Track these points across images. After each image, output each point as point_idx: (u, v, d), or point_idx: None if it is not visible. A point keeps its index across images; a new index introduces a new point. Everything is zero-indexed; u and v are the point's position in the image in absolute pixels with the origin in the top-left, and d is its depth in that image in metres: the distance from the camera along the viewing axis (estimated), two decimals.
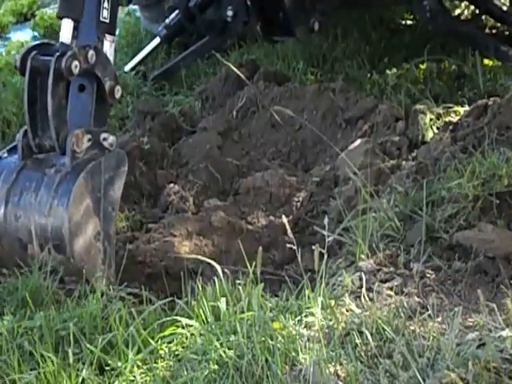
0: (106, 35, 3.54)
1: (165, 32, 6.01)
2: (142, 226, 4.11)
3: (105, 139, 3.41)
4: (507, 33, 5.80)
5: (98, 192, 3.34)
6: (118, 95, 3.54)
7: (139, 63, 6.19)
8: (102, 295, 3.20)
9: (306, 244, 3.57)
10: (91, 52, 3.34)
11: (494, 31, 5.87)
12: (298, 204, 4.16)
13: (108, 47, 3.54)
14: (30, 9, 9.12)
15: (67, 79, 3.32)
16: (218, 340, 2.67)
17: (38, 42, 3.49)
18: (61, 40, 3.44)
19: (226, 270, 3.04)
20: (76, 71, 3.27)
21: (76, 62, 3.25)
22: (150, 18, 6.55)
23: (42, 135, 3.34)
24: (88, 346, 2.84)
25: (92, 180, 3.32)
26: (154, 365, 2.74)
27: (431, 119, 4.40)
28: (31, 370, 2.75)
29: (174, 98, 5.74)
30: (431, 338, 2.49)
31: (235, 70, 5.15)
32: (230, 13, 5.25)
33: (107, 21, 3.51)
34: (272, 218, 4.00)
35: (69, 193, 3.24)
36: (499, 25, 5.96)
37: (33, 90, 3.32)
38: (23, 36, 8.26)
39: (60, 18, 3.52)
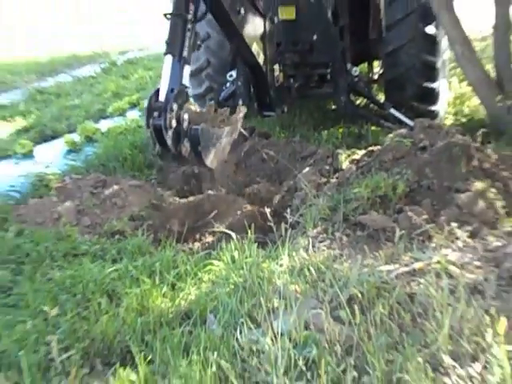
0: (185, 66, 2.97)
1: None
2: None
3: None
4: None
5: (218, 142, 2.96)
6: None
7: None
8: (172, 248, 3.18)
9: (280, 223, 3.55)
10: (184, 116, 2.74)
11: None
12: (276, 201, 4.16)
13: (186, 74, 2.96)
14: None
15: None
16: (233, 272, 2.67)
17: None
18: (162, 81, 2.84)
19: (238, 236, 3.03)
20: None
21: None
22: None
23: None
24: (166, 275, 2.85)
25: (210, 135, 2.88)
26: (201, 285, 2.75)
27: (345, 157, 4.41)
28: (136, 288, 2.76)
29: None
30: (345, 271, 2.48)
31: (242, 130, 5.13)
32: (240, 102, 5.15)
33: (186, 55, 2.98)
34: (262, 208, 3.98)
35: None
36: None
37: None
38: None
39: (165, 54, 2.96)
